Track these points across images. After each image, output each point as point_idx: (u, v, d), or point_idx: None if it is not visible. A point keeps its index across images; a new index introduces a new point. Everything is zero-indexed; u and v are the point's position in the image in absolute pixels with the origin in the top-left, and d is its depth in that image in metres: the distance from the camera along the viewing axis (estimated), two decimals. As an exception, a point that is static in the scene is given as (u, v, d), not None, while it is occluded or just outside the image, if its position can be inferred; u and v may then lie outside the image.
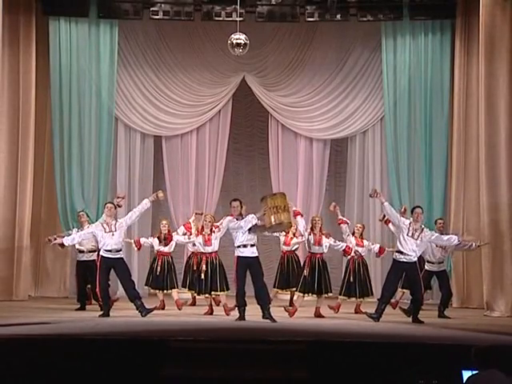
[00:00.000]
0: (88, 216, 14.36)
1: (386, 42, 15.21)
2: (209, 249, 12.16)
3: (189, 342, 8.58)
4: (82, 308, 12.78)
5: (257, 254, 11.14)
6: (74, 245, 12.58)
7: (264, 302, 11.08)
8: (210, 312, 12.30)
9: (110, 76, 15.18)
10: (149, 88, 15.73)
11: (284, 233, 13.43)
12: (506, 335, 9.49)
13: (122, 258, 11.73)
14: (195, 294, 12.82)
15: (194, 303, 13.56)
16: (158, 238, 13.03)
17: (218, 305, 12.49)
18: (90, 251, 13.05)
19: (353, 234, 12.73)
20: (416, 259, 11.38)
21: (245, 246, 11.02)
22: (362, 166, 15.82)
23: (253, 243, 11.09)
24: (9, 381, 7.80)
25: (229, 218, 11.27)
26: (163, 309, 12.82)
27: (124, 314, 11.78)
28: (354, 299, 12.72)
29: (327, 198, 16.27)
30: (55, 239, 12.01)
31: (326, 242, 12.04)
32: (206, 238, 12.14)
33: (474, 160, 14.00)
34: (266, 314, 11.00)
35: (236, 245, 11.10)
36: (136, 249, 13.31)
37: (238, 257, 11.08)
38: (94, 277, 11.98)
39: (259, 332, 9.59)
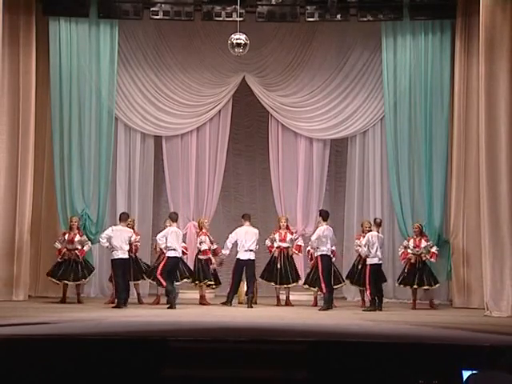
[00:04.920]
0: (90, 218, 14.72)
1: (386, 42, 15.19)
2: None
3: (189, 341, 8.59)
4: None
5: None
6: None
7: None
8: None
9: (110, 76, 15.16)
10: (149, 88, 15.71)
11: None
12: (506, 335, 9.49)
13: None
14: None
15: None
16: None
17: None
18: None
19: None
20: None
21: None
22: (362, 166, 15.79)
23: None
24: (9, 381, 7.80)
25: None
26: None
27: (124, 314, 11.78)
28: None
29: (327, 197, 16.28)
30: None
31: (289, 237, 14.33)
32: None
33: (474, 160, 14.01)
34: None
35: None
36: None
37: None
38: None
39: (259, 332, 9.59)
